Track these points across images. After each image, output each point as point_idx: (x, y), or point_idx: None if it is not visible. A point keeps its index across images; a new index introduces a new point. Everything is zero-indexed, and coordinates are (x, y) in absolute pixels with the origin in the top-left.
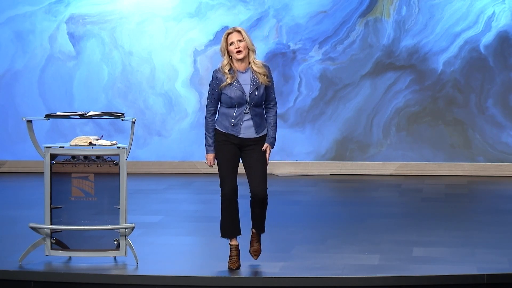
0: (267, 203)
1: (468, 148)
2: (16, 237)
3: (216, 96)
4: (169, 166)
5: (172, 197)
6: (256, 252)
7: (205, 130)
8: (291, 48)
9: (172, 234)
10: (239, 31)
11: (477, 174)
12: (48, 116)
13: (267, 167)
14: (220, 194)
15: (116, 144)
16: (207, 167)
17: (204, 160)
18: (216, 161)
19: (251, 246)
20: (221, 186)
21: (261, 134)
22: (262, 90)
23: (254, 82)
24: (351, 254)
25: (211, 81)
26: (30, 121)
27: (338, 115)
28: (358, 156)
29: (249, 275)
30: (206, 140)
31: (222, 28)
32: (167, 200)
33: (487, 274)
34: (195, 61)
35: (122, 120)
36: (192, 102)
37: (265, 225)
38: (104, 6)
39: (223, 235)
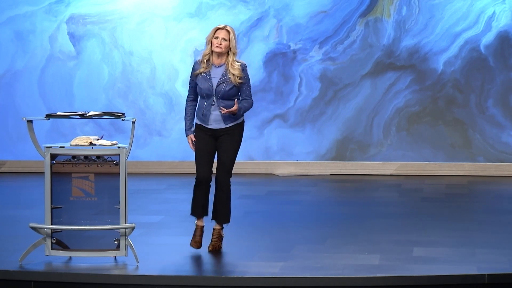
0: (230, 192)
1: (468, 148)
2: (16, 237)
3: (193, 84)
4: (169, 166)
5: (172, 197)
6: (214, 247)
7: (184, 115)
8: (291, 48)
9: (172, 234)
10: (228, 31)
11: (477, 174)
12: (48, 116)
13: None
14: (195, 178)
15: (116, 144)
16: None
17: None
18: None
19: (210, 241)
20: (196, 171)
21: (230, 125)
22: (230, 86)
23: (224, 77)
24: (351, 254)
25: (191, 70)
26: (30, 121)
27: (338, 115)
28: (358, 156)
29: (249, 275)
30: (184, 124)
31: None
32: (167, 200)
33: (487, 274)
34: None
35: (122, 120)
36: None
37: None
38: (104, 6)
39: (192, 213)
